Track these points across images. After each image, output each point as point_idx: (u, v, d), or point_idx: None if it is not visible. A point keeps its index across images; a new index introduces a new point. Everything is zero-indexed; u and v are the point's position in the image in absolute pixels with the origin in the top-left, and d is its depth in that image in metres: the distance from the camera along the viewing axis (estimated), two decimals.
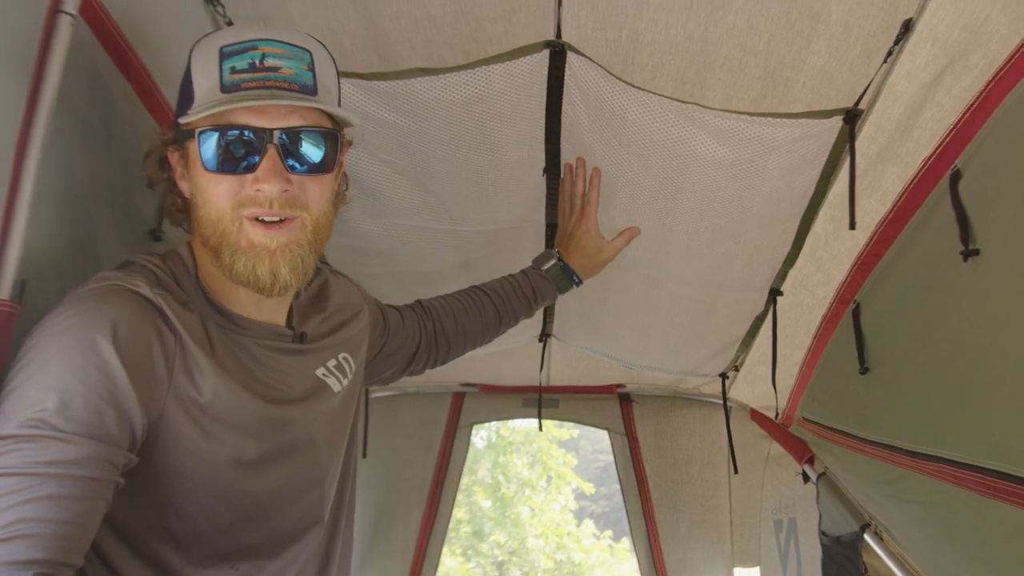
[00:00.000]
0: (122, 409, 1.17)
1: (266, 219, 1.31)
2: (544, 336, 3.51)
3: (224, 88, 1.28)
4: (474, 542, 13.38)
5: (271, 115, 1.29)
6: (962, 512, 1.86)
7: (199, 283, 1.39)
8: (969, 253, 1.72)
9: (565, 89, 1.99)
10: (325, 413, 1.57)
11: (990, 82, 1.67)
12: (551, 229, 2.68)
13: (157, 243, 1.73)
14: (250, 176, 1.30)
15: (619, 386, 4.25)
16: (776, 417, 3.24)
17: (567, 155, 2.25)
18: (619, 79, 1.94)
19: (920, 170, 1.94)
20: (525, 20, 1.90)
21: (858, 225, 1.93)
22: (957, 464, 1.83)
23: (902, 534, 2.42)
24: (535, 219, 2.63)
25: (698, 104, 1.96)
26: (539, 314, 3.30)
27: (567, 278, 2.21)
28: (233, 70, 1.29)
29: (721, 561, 4.01)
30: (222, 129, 1.28)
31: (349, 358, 1.68)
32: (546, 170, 2.30)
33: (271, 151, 1.29)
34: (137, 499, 1.27)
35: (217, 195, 1.31)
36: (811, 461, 3.19)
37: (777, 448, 3.53)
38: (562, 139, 2.18)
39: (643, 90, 1.95)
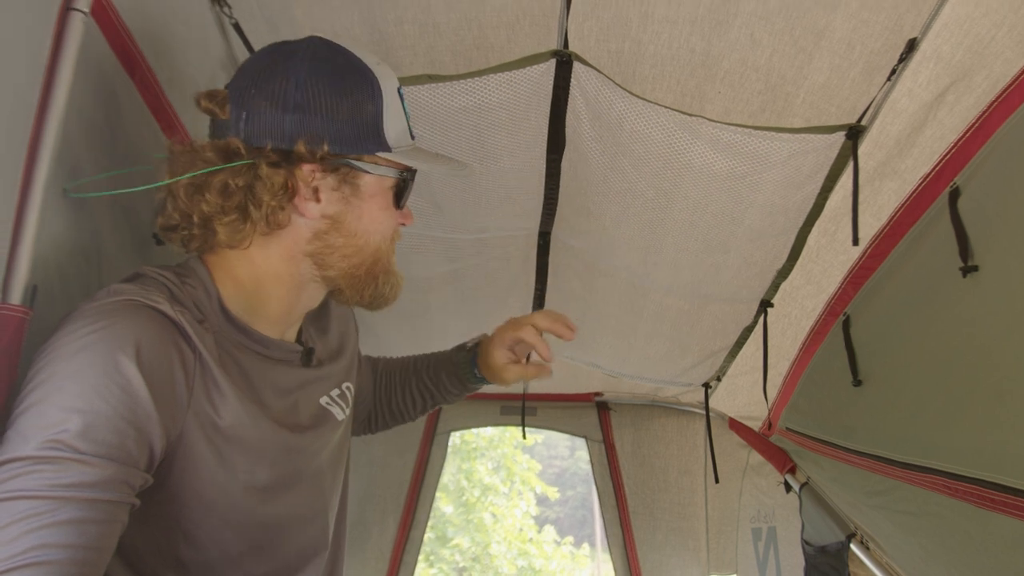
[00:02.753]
0: (143, 430, 1.14)
1: None
2: None
3: (411, 136, 1.45)
4: (436, 547, 13.31)
5: None
6: (957, 523, 1.89)
7: (221, 303, 1.35)
8: (968, 269, 1.75)
9: (570, 99, 1.99)
10: (330, 441, 1.56)
11: (993, 103, 1.70)
12: (543, 238, 2.68)
13: (158, 247, 1.69)
14: (396, 211, 1.46)
15: (597, 394, 4.27)
16: (768, 427, 3.27)
17: (567, 165, 2.25)
18: (624, 89, 1.95)
19: (918, 187, 1.97)
20: (528, 29, 1.90)
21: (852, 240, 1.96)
22: (952, 476, 1.85)
23: (890, 544, 2.45)
24: (527, 228, 2.63)
25: (702, 117, 1.97)
26: None
27: (471, 369, 2.05)
28: (407, 115, 1.43)
29: (697, 569, 4.04)
30: (413, 174, 1.44)
31: (351, 386, 1.68)
32: (546, 179, 2.30)
33: None
34: (147, 523, 1.23)
35: (387, 225, 1.44)
36: (793, 471, 3.22)
37: (756, 457, 3.56)
38: (565, 148, 2.18)
39: (649, 101, 1.96)
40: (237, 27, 1.81)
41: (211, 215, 1.31)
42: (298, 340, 1.54)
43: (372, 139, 1.35)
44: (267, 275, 1.38)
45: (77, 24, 1.31)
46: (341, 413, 1.59)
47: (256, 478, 1.34)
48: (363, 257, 1.41)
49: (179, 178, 1.30)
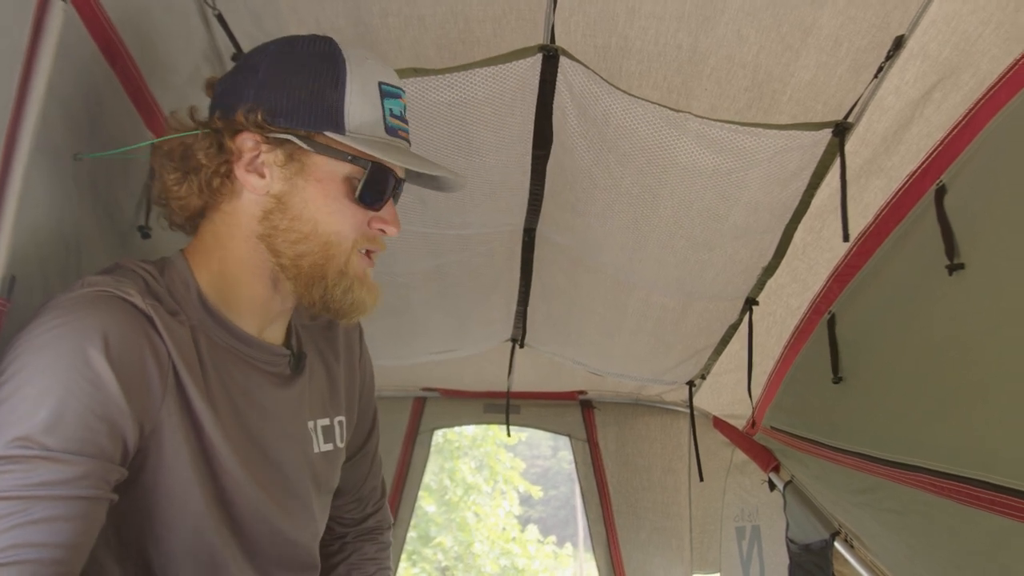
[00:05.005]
0: (115, 424, 1.11)
1: (362, 251, 1.39)
2: (514, 340, 3.50)
3: (388, 130, 1.37)
4: (419, 547, 13.29)
5: (400, 168, 1.41)
6: (941, 521, 1.89)
7: (200, 294, 1.33)
8: (954, 267, 1.75)
9: (556, 93, 1.98)
10: (314, 466, 1.51)
11: (979, 100, 1.70)
12: (528, 235, 2.67)
13: (140, 240, 1.67)
14: (371, 213, 1.38)
15: (581, 392, 4.27)
16: (752, 425, 3.27)
17: (553, 160, 2.24)
18: (611, 84, 1.94)
19: (904, 184, 1.97)
20: (515, 24, 1.89)
21: (836, 237, 1.96)
22: (936, 473, 1.86)
23: (875, 542, 2.46)
24: (511, 224, 2.62)
25: (690, 113, 1.97)
26: (510, 318, 3.30)
27: None
28: (391, 113, 1.38)
29: (680, 567, 4.05)
30: (385, 170, 1.36)
31: (343, 422, 1.63)
32: (531, 176, 2.29)
33: (391, 199, 1.41)
34: (117, 518, 1.20)
35: (346, 223, 1.35)
36: (777, 469, 3.23)
37: (740, 456, 3.56)
38: (552, 143, 2.17)
39: (636, 97, 1.95)
40: (220, 18, 1.78)
41: (167, 187, 1.36)
42: (288, 340, 1.51)
43: (325, 120, 1.32)
44: (233, 260, 1.36)
45: (57, 13, 1.28)
46: (318, 446, 1.53)
47: (229, 484, 1.30)
48: (310, 246, 1.34)
49: (141, 143, 1.40)
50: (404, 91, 1.43)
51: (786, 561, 3.07)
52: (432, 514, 13.56)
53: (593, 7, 1.85)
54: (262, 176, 1.32)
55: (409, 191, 2.32)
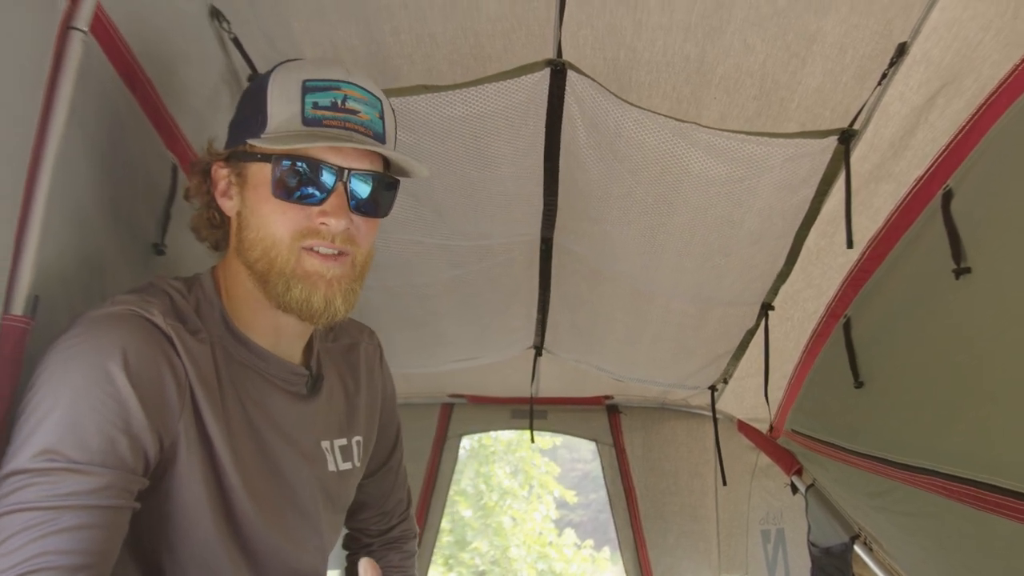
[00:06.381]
0: (135, 436, 1.17)
1: (322, 251, 1.34)
2: (536, 348, 3.53)
3: (306, 121, 1.33)
4: (455, 551, 13.32)
5: (345, 155, 1.34)
6: (954, 524, 1.89)
7: (223, 311, 1.38)
8: (961, 271, 1.76)
9: (565, 106, 2.01)
10: (325, 484, 1.54)
11: (982, 105, 1.71)
12: (545, 243, 2.71)
13: (160, 257, 1.73)
14: (315, 209, 1.33)
15: (607, 397, 4.29)
16: (769, 430, 3.27)
17: (564, 171, 2.27)
18: (618, 97, 1.97)
19: (912, 189, 1.98)
20: (524, 39, 1.92)
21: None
22: (948, 477, 1.86)
23: (892, 545, 2.46)
24: (529, 234, 2.65)
25: (696, 123, 1.99)
26: (531, 326, 3.33)
27: None
28: (316, 105, 1.33)
29: (708, 571, 4.05)
30: (304, 160, 1.32)
31: (361, 441, 1.66)
32: (544, 187, 2.32)
33: (339, 189, 1.34)
34: (140, 531, 1.25)
35: (279, 222, 1.33)
36: (799, 472, 3.23)
37: (765, 459, 3.56)
38: (561, 155, 2.20)
39: (641, 108, 1.98)
40: (236, 42, 1.85)
41: (193, 219, 1.49)
42: (307, 360, 1.54)
43: (248, 130, 1.35)
44: (234, 277, 1.41)
45: (77, 43, 1.35)
46: (334, 464, 1.56)
47: (236, 500, 1.34)
48: (256, 252, 1.34)
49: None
50: (347, 82, 1.37)
51: (809, 564, 3.07)
52: (468, 519, 13.59)
53: (600, 20, 1.88)
54: (230, 199, 1.40)
55: (422, 204, 2.39)
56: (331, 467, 1.54)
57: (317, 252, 1.34)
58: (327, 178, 1.33)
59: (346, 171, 1.34)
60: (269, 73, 1.39)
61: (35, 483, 1.07)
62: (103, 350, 1.16)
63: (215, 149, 1.42)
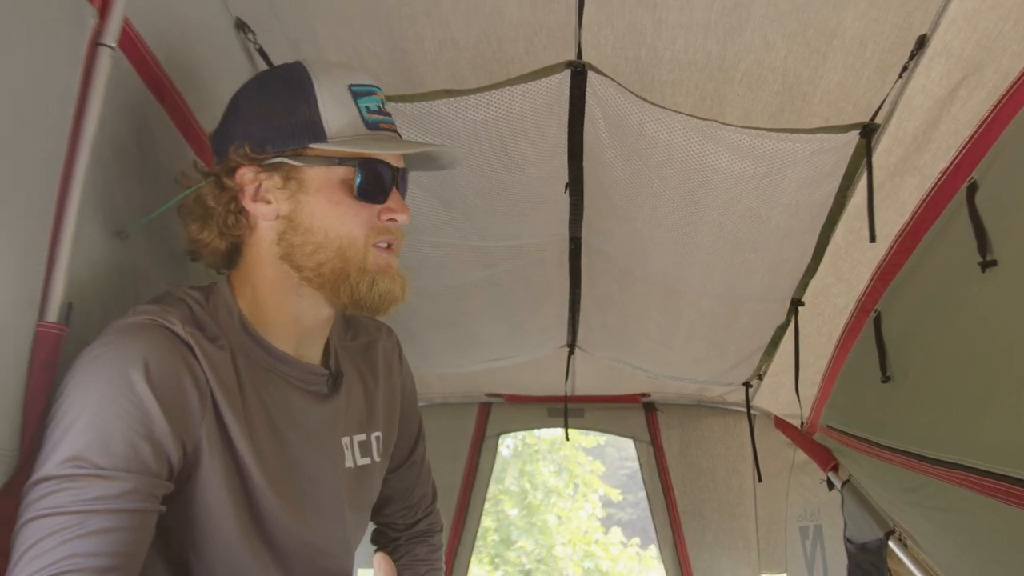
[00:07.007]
0: (158, 442, 1.20)
1: (381, 244, 1.44)
2: (569, 346, 3.55)
3: (368, 125, 1.42)
4: (501, 550, 13.39)
5: (395, 156, 1.46)
6: (986, 520, 1.88)
7: (241, 317, 1.42)
8: (987, 264, 1.75)
9: (586, 107, 2.03)
10: (348, 480, 1.58)
11: (1004, 96, 1.69)
12: (574, 243, 2.73)
13: (192, 264, 1.77)
14: (378, 207, 1.43)
15: (644, 395, 4.28)
16: (801, 425, 3.26)
17: (588, 171, 2.29)
18: (638, 96, 1.98)
19: (937, 182, 1.96)
20: (546, 41, 1.94)
21: (878, 236, 1.96)
22: (980, 472, 1.85)
23: (926, 541, 2.44)
24: (558, 233, 2.67)
25: (716, 121, 2.00)
26: (563, 325, 3.35)
27: None
28: (368, 110, 1.43)
29: (747, 568, 4.03)
30: (377, 163, 1.41)
31: (380, 436, 1.69)
32: (568, 186, 2.34)
33: (395, 188, 1.45)
34: (166, 533, 1.29)
35: (354, 222, 1.41)
36: (835, 468, 3.21)
37: (801, 455, 3.54)
38: (584, 156, 2.22)
39: (662, 107, 1.99)
40: (262, 52, 1.89)
41: (191, 233, 1.46)
42: (326, 360, 1.58)
43: (306, 134, 1.38)
44: (265, 283, 1.44)
45: (106, 57, 1.39)
46: (353, 461, 1.60)
47: (260, 499, 1.38)
48: (328, 254, 1.40)
49: (164, 207, 1.46)
50: (379, 87, 1.47)
51: (846, 561, 3.05)
52: (514, 518, 13.64)
53: (620, 21, 1.89)
54: (268, 202, 1.41)
55: (452, 208, 2.42)
56: (348, 463, 1.58)
57: (378, 247, 1.43)
58: (388, 178, 1.43)
59: (400, 171, 1.46)
60: (302, 74, 1.41)
61: (63, 489, 1.11)
62: (126, 360, 1.20)
63: (249, 152, 1.39)
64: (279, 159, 1.38)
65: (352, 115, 1.41)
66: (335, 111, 1.39)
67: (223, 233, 1.43)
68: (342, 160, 1.39)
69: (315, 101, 1.39)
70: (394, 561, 1.87)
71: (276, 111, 1.40)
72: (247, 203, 1.41)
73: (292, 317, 1.46)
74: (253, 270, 1.45)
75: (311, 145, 1.38)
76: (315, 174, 1.40)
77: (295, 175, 1.39)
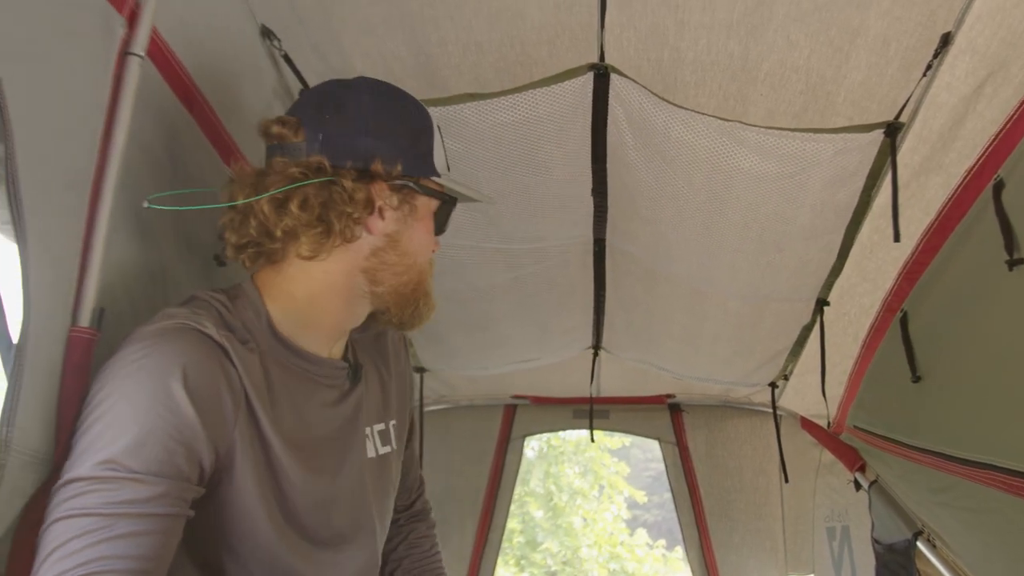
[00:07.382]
0: (192, 447, 1.21)
1: None
2: (594, 348, 3.56)
3: (448, 167, 1.59)
4: (527, 552, 13.38)
5: None
6: (1016, 520, 1.86)
7: (270, 321, 1.42)
8: (1014, 262, 1.73)
9: (609, 109, 2.04)
10: (371, 470, 1.61)
11: None
12: (598, 245, 2.73)
13: (221, 268, 1.80)
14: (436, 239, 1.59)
15: (669, 396, 4.27)
16: (827, 426, 3.24)
17: (612, 173, 2.30)
18: (661, 98, 1.98)
19: (963, 180, 1.95)
20: (569, 43, 1.95)
21: (903, 235, 1.95)
22: (1010, 472, 1.83)
23: (955, 541, 2.42)
24: (582, 235, 2.68)
25: (740, 121, 2.00)
26: (588, 326, 3.35)
27: None
28: (444, 150, 1.58)
29: (775, 569, 4.01)
30: (454, 202, 1.58)
31: (396, 424, 1.74)
32: (593, 189, 2.35)
33: None
34: (199, 535, 1.31)
35: (427, 250, 1.56)
36: (862, 469, 3.19)
37: (828, 456, 3.52)
38: (608, 158, 2.23)
39: (685, 108, 2.00)
40: (287, 58, 1.91)
41: (295, 228, 1.38)
42: (344, 353, 1.61)
43: (427, 165, 1.50)
44: (324, 287, 1.45)
45: (135, 67, 1.42)
46: (375, 450, 1.63)
47: (294, 496, 1.40)
48: (411, 276, 1.51)
49: (266, 194, 1.38)
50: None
51: (874, 562, 3.03)
52: (539, 519, 13.64)
53: (643, 22, 1.90)
54: (382, 219, 1.46)
55: (476, 211, 2.44)
56: (371, 453, 1.61)
57: None
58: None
59: None
60: (424, 110, 1.53)
61: (94, 490, 1.12)
62: (162, 366, 1.21)
63: (388, 170, 1.42)
64: (407, 182, 1.46)
65: (443, 153, 1.55)
66: (439, 148, 1.53)
67: (342, 236, 1.41)
68: (442, 195, 1.53)
69: (431, 134, 1.51)
70: (400, 539, 1.96)
71: (407, 134, 1.48)
72: (365, 217, 1.43)
73: (335, 321, 1.50)
74: (317, 276, 1.44)
75: (434, 178, 1.51)
76: (424, 203, 1.51)
77: (411, 200, 1.48)
